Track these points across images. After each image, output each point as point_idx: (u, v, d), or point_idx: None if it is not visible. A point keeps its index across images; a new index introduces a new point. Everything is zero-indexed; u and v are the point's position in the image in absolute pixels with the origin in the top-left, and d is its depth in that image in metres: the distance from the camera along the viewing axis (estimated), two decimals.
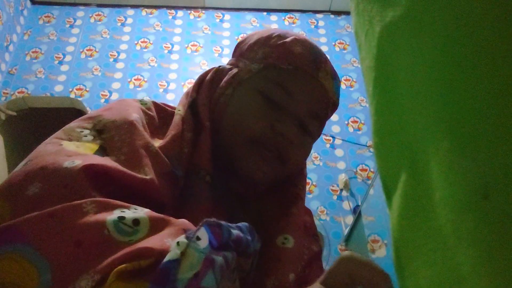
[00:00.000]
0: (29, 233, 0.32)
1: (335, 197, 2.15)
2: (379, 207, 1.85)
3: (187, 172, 0.48)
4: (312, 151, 2.25)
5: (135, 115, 0.48)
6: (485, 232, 0.19)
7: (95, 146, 0.43)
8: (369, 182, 2.13)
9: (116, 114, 0.47)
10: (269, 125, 0.50)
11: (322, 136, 2.32)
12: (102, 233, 0.33)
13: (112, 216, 0.34)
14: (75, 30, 2.61)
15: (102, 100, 2.34)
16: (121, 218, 0.34)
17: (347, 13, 2.90)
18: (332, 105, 0.56)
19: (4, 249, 0.31)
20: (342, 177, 2.17)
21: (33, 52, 2.48)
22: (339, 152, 2.29)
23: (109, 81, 2.42)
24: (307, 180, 2.17)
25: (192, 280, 0.30)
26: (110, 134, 0.45)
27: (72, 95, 2.34)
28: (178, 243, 0.31)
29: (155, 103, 0.55)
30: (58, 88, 2.36)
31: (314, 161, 2.24)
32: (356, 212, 1.92)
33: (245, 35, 0.58)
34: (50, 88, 2.36)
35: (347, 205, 2.13)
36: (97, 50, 2.53)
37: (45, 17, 2.65)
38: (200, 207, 0.47)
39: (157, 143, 0.47)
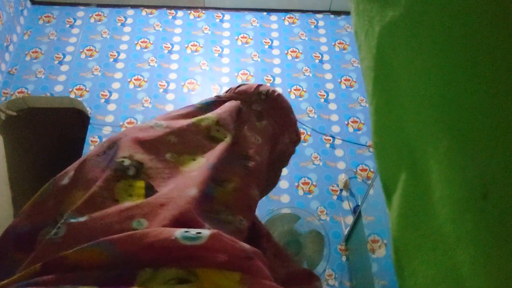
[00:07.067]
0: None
1: (335, 197, 2.15)
2: (379, 207, 1.85)
3: None
4: (312, 151, 2.21)
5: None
6: (484, 231, 0.19)
7: (141, 185, 0.49)
8: (369, 182, 2.13)
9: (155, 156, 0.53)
10: None
11: (322, 136, 2.32)
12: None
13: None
14: (75, 30, 2.61)
15: (102, 100, 2.34)
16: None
17: (347, 13, 2.90)
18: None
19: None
20: (342, 177, 2.17)
21: (33, 52, 2.48)
22: (339, 152, 2.29)
23: (109, 81, 2.42)
24: (307, 180, 2.20)
25: None
26: (148, 166, 0.51)
27: (72, 95, 2.34)
28: None
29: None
30: (58, 88, 2.36)
31: (314, 161, 2.24)
32: (356, 212, 1.92)
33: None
34: (50, 88, 2.36)
35: (347, 205, 2.13)
36: (97, 50, 2.53)
37: (45, 17, 2.65)
38: None
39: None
